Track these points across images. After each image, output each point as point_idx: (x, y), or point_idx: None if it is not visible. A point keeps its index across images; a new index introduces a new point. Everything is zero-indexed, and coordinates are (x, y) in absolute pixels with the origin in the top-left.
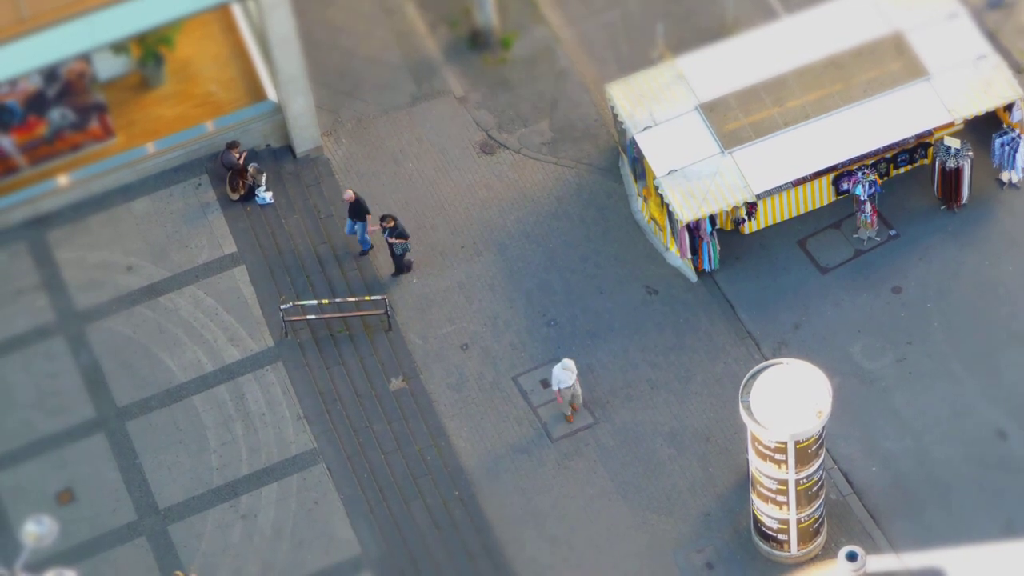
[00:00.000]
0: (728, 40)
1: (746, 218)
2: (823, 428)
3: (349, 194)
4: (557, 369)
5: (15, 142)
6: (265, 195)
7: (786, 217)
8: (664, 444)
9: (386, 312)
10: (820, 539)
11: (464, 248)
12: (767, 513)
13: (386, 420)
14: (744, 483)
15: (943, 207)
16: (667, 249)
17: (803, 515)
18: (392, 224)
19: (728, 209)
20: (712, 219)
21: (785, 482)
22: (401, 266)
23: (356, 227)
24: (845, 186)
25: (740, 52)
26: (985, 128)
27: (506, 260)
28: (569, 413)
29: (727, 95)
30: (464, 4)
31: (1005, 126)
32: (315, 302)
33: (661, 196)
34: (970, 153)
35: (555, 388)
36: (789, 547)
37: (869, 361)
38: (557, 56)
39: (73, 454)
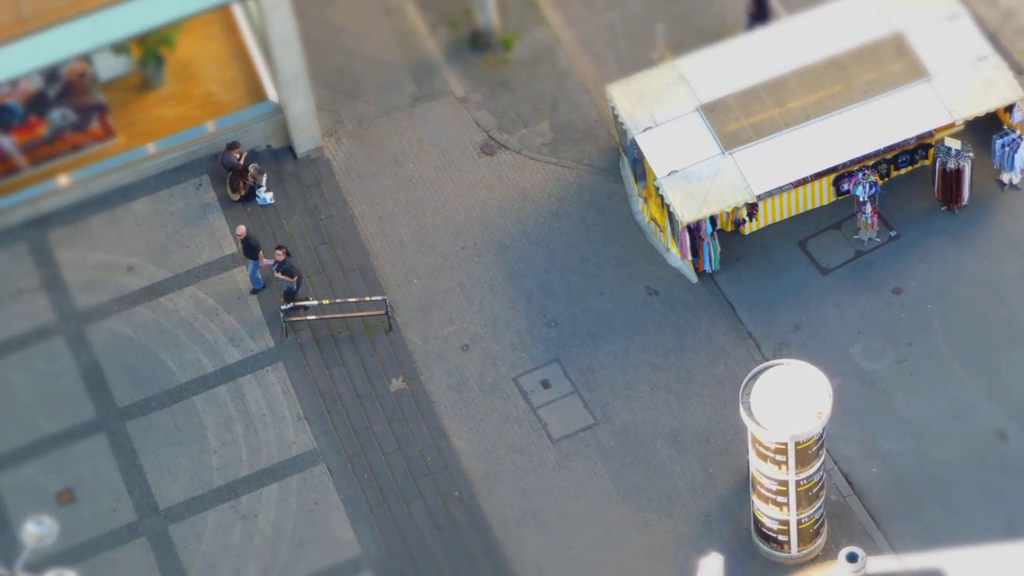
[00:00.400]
0: (729, 41)
1: (747, 219)
2: (823, 429)
3: (241, 230)
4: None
5: (16, 142)
6: (266, 195)
7: (787, 218)
8: (664, 445)
9: (386, 312)
10: (820, 540)
11: (465, 249)
12: (767, 514)
13: (386, 421)
14: (744, 484)
15: (944, 208)
16: (668, 250)
17: (803, 516)
18: (283, 258)
19: (729, 210)
20: (713, 220)
21: (785, 483)
22: (288, 298)
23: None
24: (846, 187)
25: (741, 53)
26: (986, 129)
27: (507, 261)
28: None
29: (728, 96)
30: (465, 5)
31: (1006, 127)
32: (315, 302)
33: (662, 197)
34: (971, 154)
35: None
36: (789, 548)
37: (869, 362)
38: (558, 57)
39: (73, 454)
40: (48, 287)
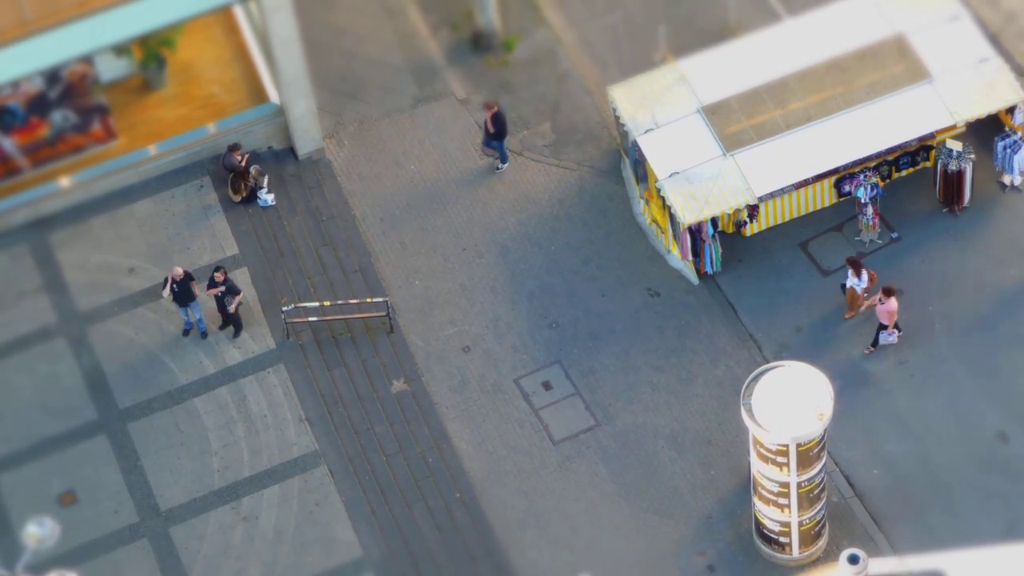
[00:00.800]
0: (730, 42)
1: (748, 220)
2: (825, 431)
3: (177, 271)
4: None
5: (17, 144)
6: (267, 197)
7: (788, 220)
8: (665, 446)
9: (388, 314)
10: (822, 542)
11: (466, 250)
12: (769, 516)
13: (388, 422)
14: (746, 486)
15: (945, 210)
16: (669, 251)
17: (805, 518)
18: (223, 277)
19: (730, 211)
20: (714, 221)
21: (787, 485)
22: (233, 321)
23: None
24: (847, 188)
25: (742, 54)
26: (987, 131)
27: (508, 262)
28: None
29: (729, 97)
30: (466, 6)
31: (1007, 129)
32: (317, 304)
33: (663, 198)
34: (972, 156)
35: None
36: (791, 550)
37: (871, 364)
38: (559, 58)
39: (75, 456)
40: (49, 288)
